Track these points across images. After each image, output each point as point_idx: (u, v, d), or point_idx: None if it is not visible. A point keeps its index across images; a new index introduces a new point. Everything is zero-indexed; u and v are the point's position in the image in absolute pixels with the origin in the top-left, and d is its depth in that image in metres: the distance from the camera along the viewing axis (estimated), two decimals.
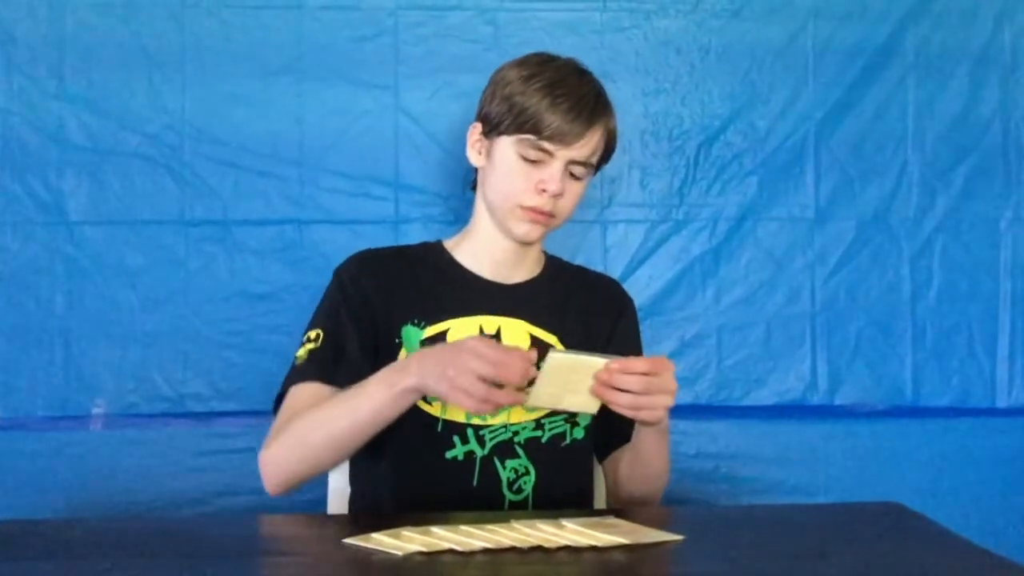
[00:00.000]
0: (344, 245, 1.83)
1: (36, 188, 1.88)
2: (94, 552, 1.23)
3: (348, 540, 1.21)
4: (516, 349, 1.37)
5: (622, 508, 1.57)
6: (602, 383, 1.35)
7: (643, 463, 1.54)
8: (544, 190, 1.52)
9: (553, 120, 1.51)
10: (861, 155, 1.99)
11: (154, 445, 1.88)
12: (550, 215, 1.55)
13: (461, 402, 1.34)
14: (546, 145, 1.52)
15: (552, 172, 1.52)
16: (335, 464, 1.53)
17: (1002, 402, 2.00)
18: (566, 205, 1.56)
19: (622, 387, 1.35)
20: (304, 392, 1.51)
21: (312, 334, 1.56)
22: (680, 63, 1.97)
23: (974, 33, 2.00)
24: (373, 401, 1.42)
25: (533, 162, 1.53)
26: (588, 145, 1.54)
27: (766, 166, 1.98)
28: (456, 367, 1.33)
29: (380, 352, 1.55)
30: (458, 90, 1.91)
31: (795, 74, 1.98)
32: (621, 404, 1.36)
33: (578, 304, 1.65)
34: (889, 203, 1.99)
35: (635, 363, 1.36)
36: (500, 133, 1.55)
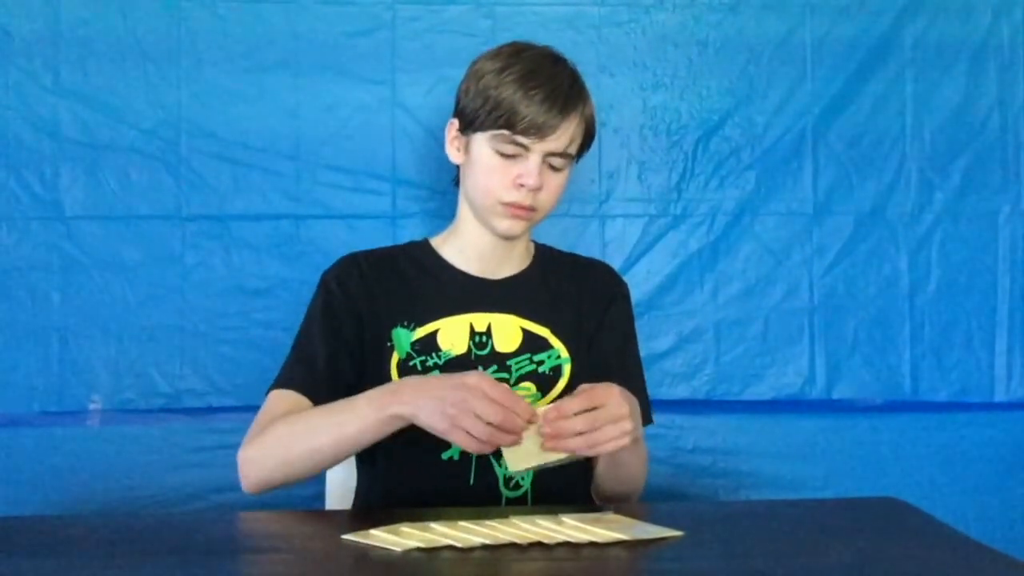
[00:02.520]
0: (341, 240, 1.83)
1: (32, 183, 1.87)
2: (90, 548, 1.23)
3: (347, 536, 1.21)
4: (517, 396, 1.32)
5: (621, 504, 1.57)
6: (549, 436, 1.29)
7: (617, 465, 1.53)
8: (522, 185, 1.51)
9: (527, 113, 1.48)
10: (859, 149, 1.99)
11: (151, 441, 1.88)
12: (531, 209, 1.54)
13: (461, 442, 1.30)
14: (521, 139, 1.50)
15: (529, 166, 1.51)
16: (313, 474, 1.48)
17: (1000, 396, 2.00)
18: (547, 198, 1.55)
19: (567, 433, 1.29)
20: (282, 399, 1.49)
21: (295, 343, 1.55)
22: (678, 58, 1.97)
23: (972, 27, 2.00)
24: (359, 421, 1.38)
25: (510, 156, 1.51)
26: (564, 136, 1.52)
27: (764, 161, 1.98)
28: (458, 406, 1.29)
29: (370, 355, 1.54)
30: (455, 85, 1.87)
31: (793, 69, 1.98)
32: (574, 448, 1.30)
33: (569, 293, 1.64)
34: (887, 197, 1.99)
35: (569, 404, 1.30)
36: (476, 129, 1.53)
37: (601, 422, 1.30)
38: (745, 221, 1.98)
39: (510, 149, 1.51)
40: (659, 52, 1.97)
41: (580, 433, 1.29)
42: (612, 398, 1.31)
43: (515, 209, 1.53)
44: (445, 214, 1.88)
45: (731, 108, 1.97)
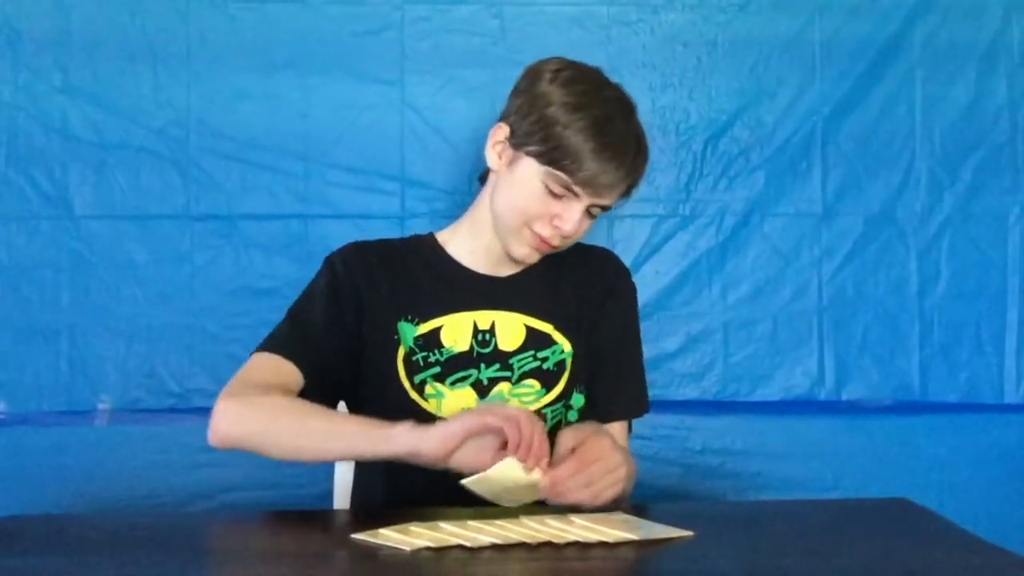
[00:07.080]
0: (350, 240, 1.82)
1: (41, 182, 1.88)
2: (99, 547, 1.23)
3: (356, 535, 1.21)
4: (546, 444, 1.30)
5: (631, 504, 1.57)
6: (553, 495, 1.30)
7: None
8: (558, 227, 1.50)
9: (591, 168, 1.45)
10: (868, 150, 1.98)
11: (159, 440, 1.88)
12: (554, 247, 1.53)
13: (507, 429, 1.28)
14: (576, 189, 1.47)
15: (572, 212, 1.48)
16: (285, 459, 1.48)
17: (1010, 397, 1.99)
18: (571, 240, 1.54)
19: (569, 498, 1.30)
20: (268, 361, 1.48)
21: (291, 310, 1.55)
22: (687, 58, 1.97)
23: (982, 27, 1.99)
24: (351, 450, 1.41)
25: (556, 195, 1.49)
26: (617, 194, 1.51)
27: (773, 161, 1.97)
28: (494, 410, 1.31)
29: (376, 348, 1.54)
30: (464, 85, 1.91)
31: (802, 69, 1.97)
32: (579, 501, 1.30)
33: (572, 283, 1.63)
34: (896, 198, 1.99)
35: (564, 471, 1.29)
36: (530, 154, 1.49)
37: (597, 477, 1.31)
38: (754, 221, 1.97)
39: (560, 191, 1.48)
40: (668, 52, 1.96)
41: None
42: (604, 451, 1.32)
43: (539, 242, 1.52)
44: (454, 214, 1.87)
45: (740, 108, 1.97)
